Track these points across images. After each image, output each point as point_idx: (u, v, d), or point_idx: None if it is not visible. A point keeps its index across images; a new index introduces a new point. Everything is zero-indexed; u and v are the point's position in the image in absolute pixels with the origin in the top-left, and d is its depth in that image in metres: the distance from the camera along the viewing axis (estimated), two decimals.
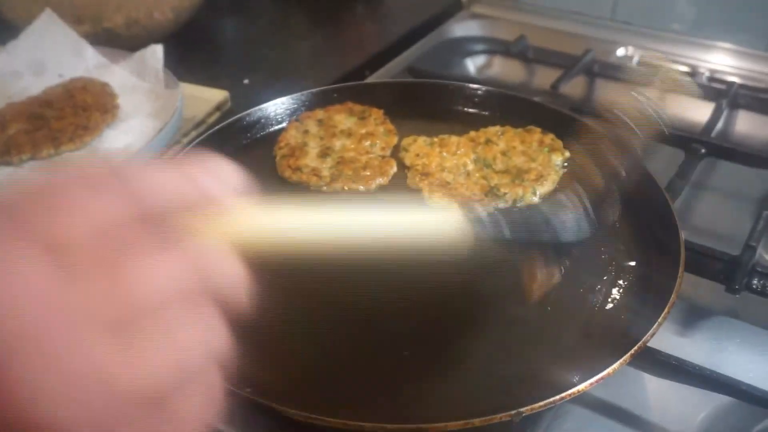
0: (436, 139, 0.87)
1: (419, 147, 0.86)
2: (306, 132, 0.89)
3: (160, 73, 0.96)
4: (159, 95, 0.93)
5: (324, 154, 0.85)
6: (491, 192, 0.78)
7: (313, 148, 0.86)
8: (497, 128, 0.89)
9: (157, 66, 0.96)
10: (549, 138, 0.86)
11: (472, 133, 0.88)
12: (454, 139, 0.87)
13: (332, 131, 0.89)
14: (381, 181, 0.82)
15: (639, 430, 0.61)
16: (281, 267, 0.68)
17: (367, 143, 0.86)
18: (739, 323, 0.71)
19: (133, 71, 0.97)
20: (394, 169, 0.84)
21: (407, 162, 0.85)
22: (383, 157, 0.85)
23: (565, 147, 0.85)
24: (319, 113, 0.92)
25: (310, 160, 0.84)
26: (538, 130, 0.87)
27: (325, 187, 0.81)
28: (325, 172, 0.82)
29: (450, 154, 0.84)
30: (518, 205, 0.77)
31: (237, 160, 0.86)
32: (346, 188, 0.81)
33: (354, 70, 1.14)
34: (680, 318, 0.71)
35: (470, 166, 0.83)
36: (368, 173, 0.82)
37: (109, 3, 1.06)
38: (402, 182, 0.82)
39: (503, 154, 0.84)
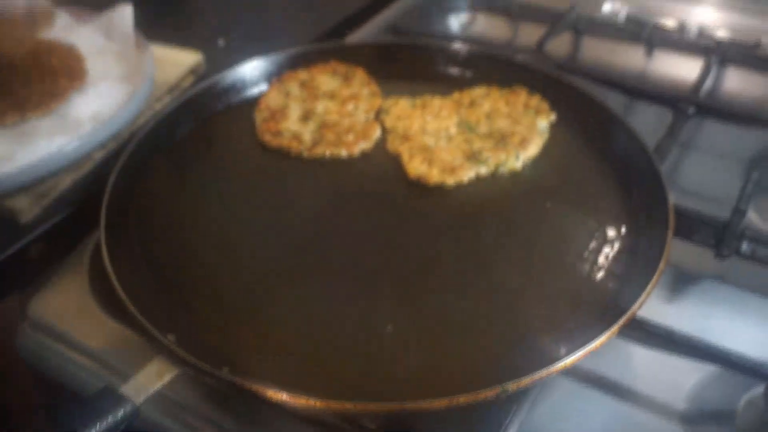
0: (418, 101, 0.84)
1: (401, 109, 0.83)
2: (287, 94, 0.86)
3: (131, 34, 0.91)
4: (129, 58, 0.89)
5: (306, 117, 0.82)
6: (473, 157, 0.76)
7: (295, 111, 0.83)
8: (482, 89, 0.86)
9: (127, 27, 0.92)
10: (535, 100, 0.83)
11: (456, 95, 0.85)
12: (437, 101, 0.84)
13: (314, 93, 0.86)
14: (364, 145, 0.79)
15: (627, 401, 0.60)
16: (257, 248, 0.68)
17: (351, 106, 0.84)
18: (728, 288, 0.70)
19: (101, 32, 0.93)
20: (378, 132, 0.81)
21: (388, 125, 0.82)
22: (367, 120, 0.83)
23: (551, 109, 0.82)
24: (302, 74, 0.89)
25: (291, 123, 0.81)
26: (524, 90, 0.85)
27: (306, 153, 0.78)
28: (307, 137, 0.80)
29: (432, 116, 0.82)
30: (501, 170, 0.75)
31: (214, 125, 0.84)
32: (327, 153, 0.78)
33: (334, 28, 1.10)
34: (668, 284, 0.69)
35: (453, 130, 0.80)
36: (351, 137, 0.79)
37: None
38: (382, 146, 0.80)
39: (487, 116, 0.81)
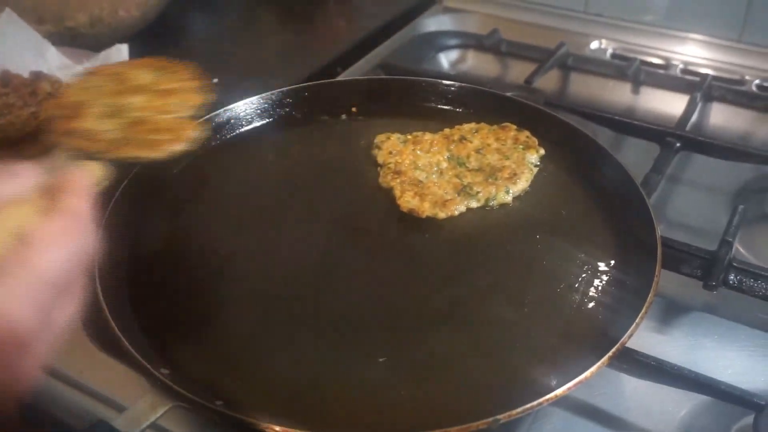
0: (409, 137, 0.86)
1: (392, 144, 0.84)
2: (91, 88, 0.71)
3: None
4: None
5: (109, 114, 0.68)
6: (464, 191, 0.77)
7: (97, 107, 0.68)
8: (472, 125, 0.87)
9: None
10: (524, 135, 0.85)
11: (447, 131, 0.87)
12: (428, 136, 0.86)
13: (125, 87, 0.71)
14: (175, 147, 0.65)
15: (620, 431, 0.60)
16: (252, 283, 0.68)
17: (167, 102, 0.69)
18: (717, 319, 0.70)
19: None
20: (193, 133, 0.66)
21: (380, 160, 0.83)
22: (183, 118, 0.67)
23: (540, 144, 0.84)
24: (114, 67, 0.76)
25: (90, 121, 0.67)
26: (513, 127, 0.86)
27: (107, 155, 0.62)
28: (108, 136, 0.65)
29: (423, 151, 0.83)
30: (491, 203, 0.76)
31: (208, 161, 0.85)
32: (130, 155, 0.63)
33: (326, 66, 1.12)
34: (658, 315, 0.70)
35: (444, 165, 0.82)
36: (160, 137, 0.65)
37: (72, 1, 1.03)
38: (374, 181, 0.81)
39: (477, 151, 0.83)
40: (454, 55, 1.23)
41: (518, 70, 1.14)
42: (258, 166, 0.85)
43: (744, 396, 0.57)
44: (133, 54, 0.95)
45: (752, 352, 0.67)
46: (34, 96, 0.87)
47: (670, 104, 1.05)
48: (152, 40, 1.13)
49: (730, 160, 0.89)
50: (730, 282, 0.70)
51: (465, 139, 0.84)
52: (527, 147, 0.83)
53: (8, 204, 0.43)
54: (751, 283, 0.70)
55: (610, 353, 0.56)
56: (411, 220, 0.75)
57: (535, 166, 0.82)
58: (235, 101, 0.91)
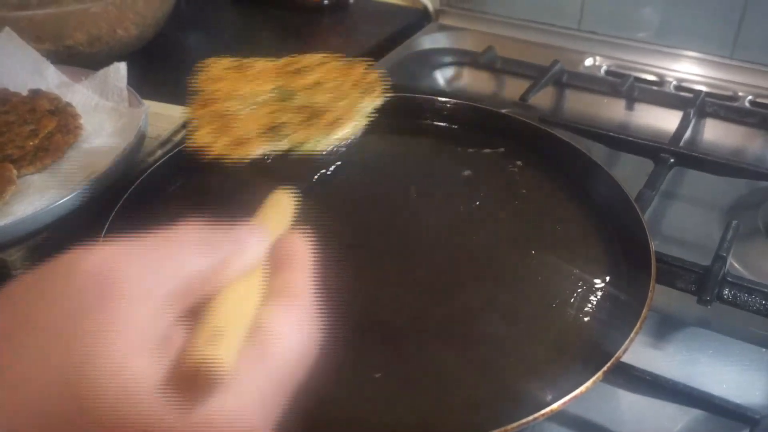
0: (243, 62, 0.74)
1: (218, 68, 0.72)
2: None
3: (124, 91, 0.94)
4: (122, 114, 0.91)
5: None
6: (273, 130, 0.64)
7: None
8: (320, 56, 0.75)
9: (121, 84, 0.94)
10: (371, 77, 0.72)
11: (287, 59, 0.75)
12: (260, 63, 0.74)
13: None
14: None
15: None
16: None
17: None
18: (712, 334, 0.71)
19: (96, 90, 0.95)
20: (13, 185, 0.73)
21: (198, 86, 0.70)
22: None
23: (387, 91, 0.72)
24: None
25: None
26: (365, 64, 0.75)
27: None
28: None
29: (248, 81, 0.71)
30: (302, 148, 0.64)
31: (205, 177, 0.85)
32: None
33: None
34: (653, 330, 0.71)
35: (265, 97, 0.69)
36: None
37: (70, 20, 1.04)
38: None
39: (310, 87, 0.70)
40: (449, 72, 1.24)
41: (513, 87, 1.15)
42: (253, 182, 0.85)
43: (738, 410, 0.58)
44: (132, 72, 0.95)
45: (747, 366, 0.67)
46: (33, 113, 0.88)
47: (664, 120, 1.06)
48: (150, 58, 1.14)
49: (724, 176, 0.90)
50: (725, 297, 0.70)
51: (302, 71, 0.73)
52: (367, 91, 0.70)
53: (237, 282, 0.36)
54: (745, 298, 0.70)
55: (605, 368, 0.56)
56: (406, 235, 0.75)
57: (369, 115, 0.68)
58: None
